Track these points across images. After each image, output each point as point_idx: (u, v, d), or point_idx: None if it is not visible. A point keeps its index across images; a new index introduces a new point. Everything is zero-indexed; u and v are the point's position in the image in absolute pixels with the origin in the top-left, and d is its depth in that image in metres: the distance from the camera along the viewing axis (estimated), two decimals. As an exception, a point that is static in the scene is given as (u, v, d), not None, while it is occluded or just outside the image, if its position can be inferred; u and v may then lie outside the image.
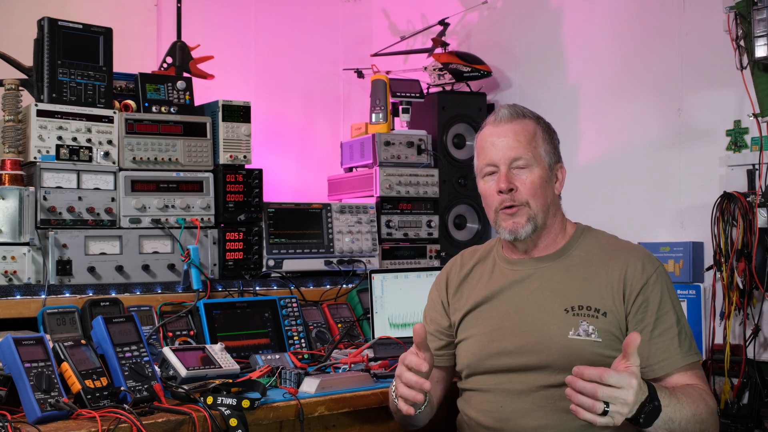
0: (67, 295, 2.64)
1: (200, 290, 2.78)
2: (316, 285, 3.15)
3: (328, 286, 3.16)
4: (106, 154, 2.89)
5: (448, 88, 3.77)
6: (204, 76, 3.34)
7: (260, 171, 3.17)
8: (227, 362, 2.32)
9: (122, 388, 1.98)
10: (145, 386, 2.02)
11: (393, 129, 3.67)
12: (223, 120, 3.11)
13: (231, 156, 3.11)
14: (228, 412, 1.97)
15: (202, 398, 2.00)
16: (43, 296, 2.58)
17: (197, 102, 3.18)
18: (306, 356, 2.68)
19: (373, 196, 3.52)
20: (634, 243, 2.16)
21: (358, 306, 3.10)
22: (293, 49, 4.21)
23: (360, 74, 4.04)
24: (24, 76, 2.89)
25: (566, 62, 3.60)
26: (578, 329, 1.99)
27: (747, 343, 2.80)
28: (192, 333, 2.62)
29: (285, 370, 2.30)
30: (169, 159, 3.00)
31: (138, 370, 2.04)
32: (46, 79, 2.83)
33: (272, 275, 3.14)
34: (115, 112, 2.93)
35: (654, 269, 2.03)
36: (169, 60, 3.32)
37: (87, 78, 2.90)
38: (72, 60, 2.86)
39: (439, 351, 2.21)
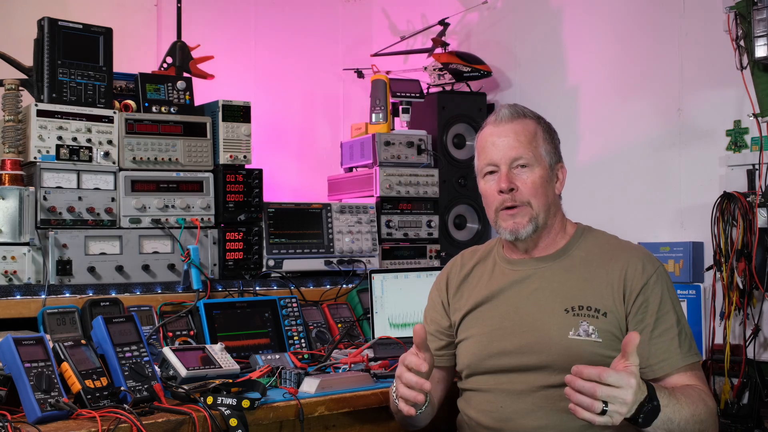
0: (67, 295, 2.64)
1: (200, 290, 2.78)
2: (316, 285, 3.15)
3: (328, 286, 3.16)
4: (106, 154, 2.89)
5: (448, 88, 3.77)
6: (204, 76, 3.34)
7: (260, 171, 3.17)
8: (227, 362, 2.32)
9: (122, 388, 1.98)
10: (145, 386, 2.02)
11: (393, 129, 3.67)
12: (223, 120, 3.11)
13: (231, 156, 3.11)
14: (228, 412, 1.97)
15: (202, 398, 2.00)
16: (43, 296, 2.58)
17: (197, 102, 3.18)
18: (306, 356, 2.68)
19: (373, 196, 3.52)
20: (634, 243, 2.16)
21: (358, 306, 3.10)
22: (293, 49, 4.21)
23: (360, 74, 4.04)
24: (24, 76, 2.89)
25: (566, 62, 3.60)
26: (578, 329, 1.99)
27: (747, 343, 2.80)
28: (192, 333, 2.62)
29: (285, 370, 2.30)
30: (169, 159, 3.00)
31: (138, 370, 2.04)
32: (46, 79, 2.83)
33: (272, 275, 3.14)
34: (115, 112, 2.93)
35: (654, 269, 2.03)
36: (169, 60, 3.32)
37: (87, 78, 2.90)
38: (72, 60, 2.86)
39: (439, 351, 2.21)
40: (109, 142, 2.90)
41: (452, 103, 3.69)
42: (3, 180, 2.72)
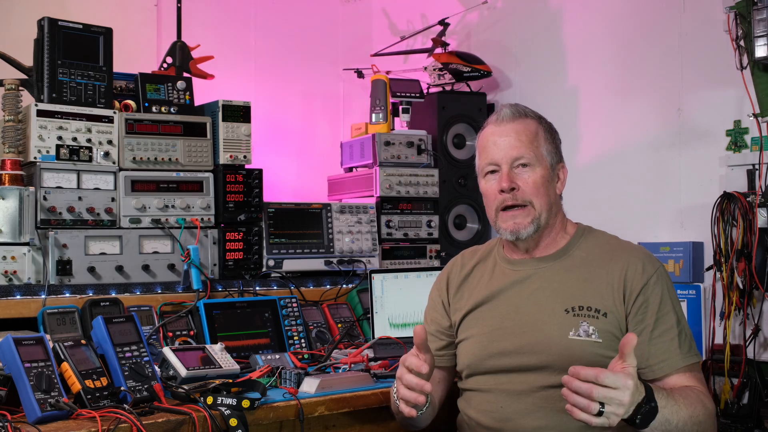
0: (67, 295, 2.64)
1: (200, 290, 2.78)
2: (316, 285, 3.15)
3: (328, 286, 3.16)
4: (106, 154, 2.89)
5: (448, 88, 3.77)
6: (204, 76, 3.34)
7: (260, 171, 3.17)
8: (227, 362, 2.32)
9: (122, 388, 1.98)
10: (145, 386, 2.02)
11: (393, 129, 3.67)
12: (223, 120, 3.11)
13: (231, 156, 3.11)
14: (228, 412, 1.97)
15: (202, 398, 2.00)
16: (43, 296, 2.58)
17: (197, 102, 3.18)
18: (306, 356, 2.68)
19: (373, 196, 3.52)
20: (634, 243, 2.16)
21: (358, 306, 3.10)
22: (293, 49, 4.21)
23: (360, 74, 4.04)
24: (24, 76, 2.89)
25: (566, 62, 3.60)
26: (578, 330, 1.99)
27: (747, 343, 2.80)
28: (192, 333, 2.62)
29: (285, 370, 2.30)
30: (169, 159, 3.00)
31: (138, 370, 2.04)
32: (46, 79, 2.83)
33: (272, 275, 3.14)
34: (115, 112, 2.93)
35: (654, 270, 2.03)
36: (169, 60, 3.32)
37: (87, 78, 2.89)
38: (72, 60, 2.86)
39: (440, 351, 2.21)
40: (109, 142, 2.90)
41: (452, 103, 3.69)
42: (3, 180, 2.72)
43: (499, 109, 2.15)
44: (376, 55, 3.99)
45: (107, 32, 2.96)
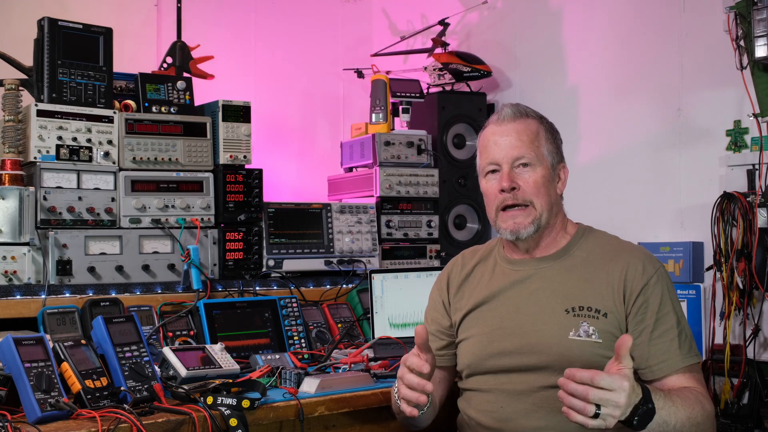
0: (67, 295, 2.64)
1: (200, 290, 2.78)
2: (316, 285, 3.15)
3: (328, 286, 3.16)
4: (106, 154, 2.89)
5: (448, 88, 3.77)
6: (204, 76, 3.34)
7: (260, 171, 3.17)
8: (227, 362, 2.32)
9: (122, 388, 1.98)
10: (145, 386, 2.02)
11: (393, 129, 3.67)
12: (223, 120, 3.11)
13: (231, 156, 3.11)
14: (228, 412, 1.97)
15: (202, 398, 2.00)
16: (43, 296, 2.58)
17: (197, 102, 3.18)
18: (306, 356, 2.68)
19: (373, 196, 3.52)
20: (635, 244, 2.16)
21: (358, 306, 3.10)
22: (293, 49, 4.21)
23: (360, 74, 4.04)
24: (24, 76, 2.89)
25: (566, 62, 3.60)
26: (578, 330, 1.99)
27: (747, 343, 2.80)
28: (192, 333, 2.62)
29: (285, 370, 2.30)
30: (169, 159, 3.00)
31: (138, 370, 2.04)
32: (46, 79, 2.83)
33: (272, 275, 3.14)
34: (115, 112, 2.93)
35: (655, 270, 2.03)
36: (169, 60, 3.32)
37: (87, 78, 2.89)
38: (72, 60, 2.86)
39: (440, 351, 2.21)
40: (109, 142, 2.90)
41: (452, 103, 3.69)
42: (3, 180, 2.72)
43: (500, 109, 2.15)
44: (376, 55, 3.99)
45: (107, 32, 2.96)
